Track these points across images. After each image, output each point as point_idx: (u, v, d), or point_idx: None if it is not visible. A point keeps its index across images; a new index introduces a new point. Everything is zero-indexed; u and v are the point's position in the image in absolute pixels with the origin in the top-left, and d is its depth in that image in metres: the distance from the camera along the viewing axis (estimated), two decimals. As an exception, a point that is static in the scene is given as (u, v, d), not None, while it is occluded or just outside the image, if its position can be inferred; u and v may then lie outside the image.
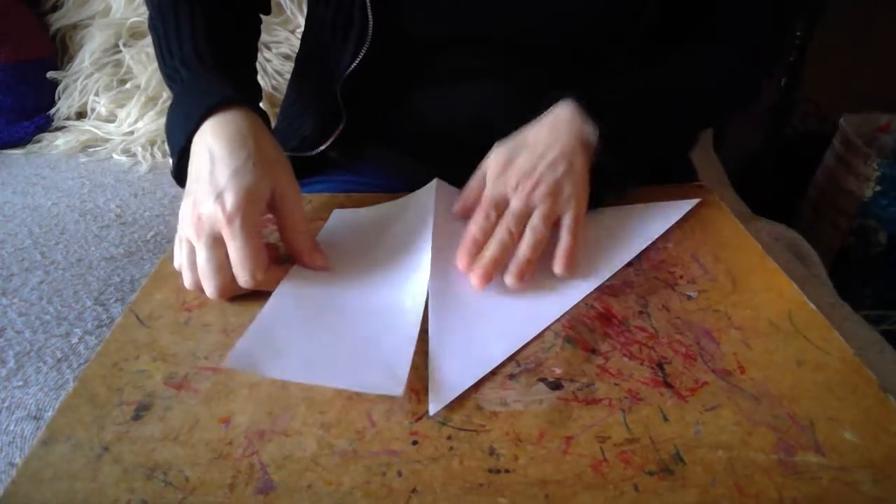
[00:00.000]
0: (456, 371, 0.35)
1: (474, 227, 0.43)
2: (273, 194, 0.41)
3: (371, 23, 0.50)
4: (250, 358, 0.34)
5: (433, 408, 0.33)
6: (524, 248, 0.42)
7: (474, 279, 0.41)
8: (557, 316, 0.40)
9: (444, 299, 0.41)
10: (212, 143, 0.41)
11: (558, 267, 0.42)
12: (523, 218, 0.43)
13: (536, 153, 0.45)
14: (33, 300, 0.61)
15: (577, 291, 0.42)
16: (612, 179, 0.48)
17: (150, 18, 0.52)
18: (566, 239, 0.43)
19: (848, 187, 1.20)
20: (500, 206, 0.44)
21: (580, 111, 0.46)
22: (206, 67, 0.47)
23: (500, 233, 0.42)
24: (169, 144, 0.46)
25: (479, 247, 0.42)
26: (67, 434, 0.31)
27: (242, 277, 0.39)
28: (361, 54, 0.52)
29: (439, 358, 0.36)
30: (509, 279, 0.41)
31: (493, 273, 0.41)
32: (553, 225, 0.44)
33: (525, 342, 0.37)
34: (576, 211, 0.44)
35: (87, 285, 0.64)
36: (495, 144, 0.47)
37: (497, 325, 0.39)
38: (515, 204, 0.43)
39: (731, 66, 0.54)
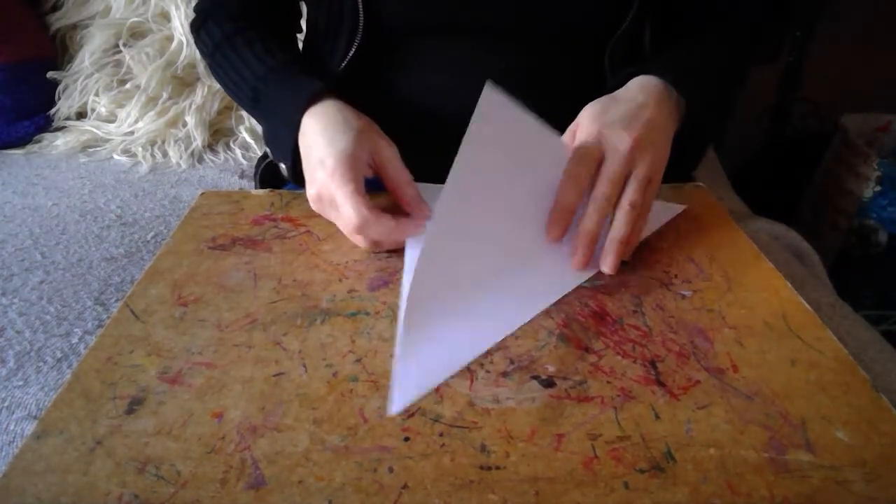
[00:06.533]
0: (422, 370, 0.34)
1: (564, 192, 0.41)
2: (371, 156, 0.44)
3: (362, 16, 0.51)
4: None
5: (395, 408, 0.32)
6: (622, 227, 0.41)
7: (575, 261, 0.41)
8: (534, 315, 0.39)
9: (417, 292, 0.40)
10: (310, 136, 0.46)
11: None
12: (621, 181, 0.42)
13: (635, 103, 0.44)
14: (33, 300, 0.62)
15: (556, 290, 0.41)
16: (694, 145, 0.49)
17: (209, 58, 0.57)
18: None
19: (848, 187, 1.20)
20: (594, 155, 0.42)
21: (663, 80, 0.47)
22: (281, 76, 0.51)
23: (598, 201, 0.41)
24: (277, 155, 0.51)
25: (565, 214, 0.41)
26: (60, 428, 0.31)
27: (350, 219, 0.42)
28: (353, 48, 0.53)
29: (406, 356, 0.35)
30: (608, 268, 0.42)
31: (594, 247, 0.41)
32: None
33: (498, 341, 0.37)
34: (657, 179, 0.44)
35: (87, 285, 0.64)
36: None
37: (470, 322, 0.38)
38: (615, 164, 0.41)
39: (743, 35, 0.56)
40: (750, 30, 0.57)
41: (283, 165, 0.51)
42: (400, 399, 0.33)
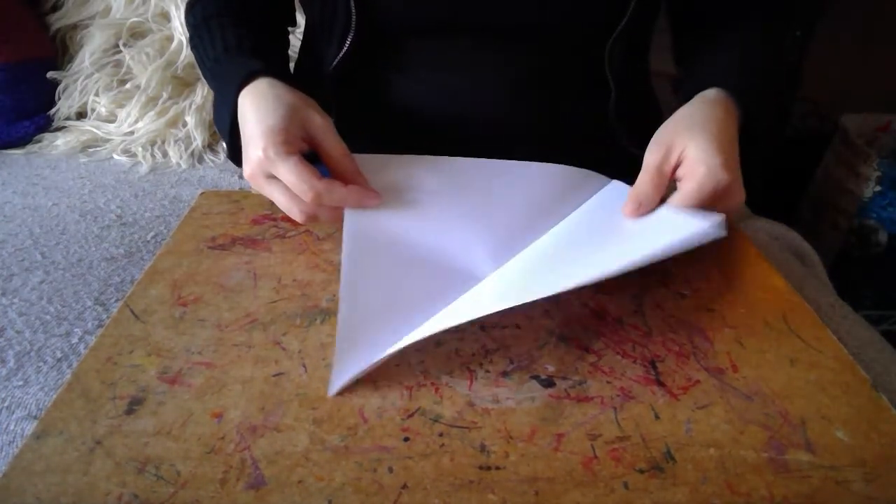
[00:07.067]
0: (366, 346, 0.33)
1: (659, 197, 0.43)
2: (305, 130, 0.44)
3: (354, 13, 0.51)
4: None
5: (334, 388, 0.33)
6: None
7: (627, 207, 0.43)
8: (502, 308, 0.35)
9: (359, 264, 0.40)
10: (245, 114, 0.45)
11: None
12: None
13: (734, 146, 0.44)
14: (33, 300, 0.62)
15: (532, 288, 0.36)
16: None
17: (190, 39, 0.57)
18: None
19: (848, 187, 1.20)
20: (712, 197, 0.42)
21: (733, 101, 0.47)
22: (231, 57, 0.52)
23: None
24: (219, 132, 0.51)
25: (647, 205, 0.43)
26: (60, 428, 0.31)
27: (302, 192, 0.41)
28: (346, 45, 0.52)
29: (348, 331, 0.35)
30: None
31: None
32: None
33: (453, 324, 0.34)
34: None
35: (87, 285, 0.64)
36: (685, 134, 0.44)
37: (410, 297, 0.37)
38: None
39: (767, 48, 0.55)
40: (760, 31, 0.56)
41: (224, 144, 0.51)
42: (339, 379, 0.33)
